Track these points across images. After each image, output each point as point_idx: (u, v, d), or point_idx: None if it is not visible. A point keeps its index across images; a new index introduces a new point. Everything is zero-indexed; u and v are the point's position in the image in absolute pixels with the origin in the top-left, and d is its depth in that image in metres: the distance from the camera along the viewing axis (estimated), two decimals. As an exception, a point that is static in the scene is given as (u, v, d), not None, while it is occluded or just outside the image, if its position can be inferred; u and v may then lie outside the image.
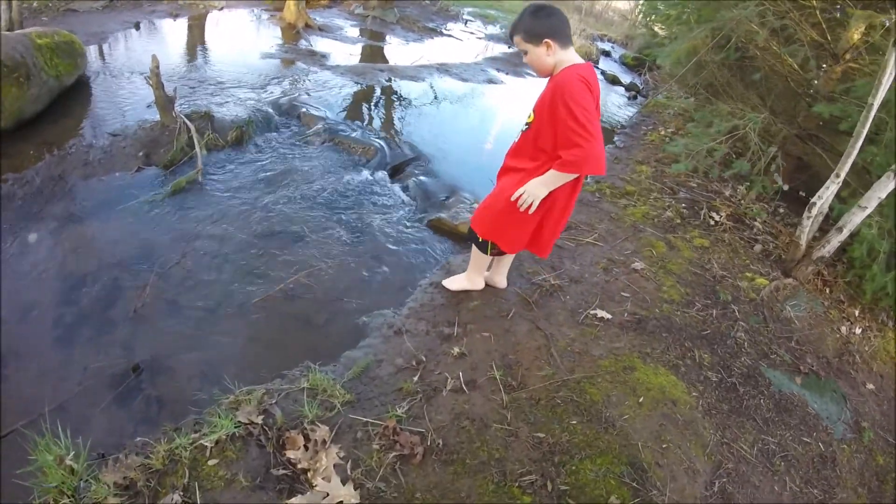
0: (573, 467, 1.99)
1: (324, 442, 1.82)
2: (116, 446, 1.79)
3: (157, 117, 3.91)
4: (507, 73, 7.73)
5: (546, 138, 2.18)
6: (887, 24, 3.69)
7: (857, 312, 3.53)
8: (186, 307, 2.58)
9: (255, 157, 3.99)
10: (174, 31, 6.42)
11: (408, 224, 3.58)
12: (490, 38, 10.21)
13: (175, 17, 6.86)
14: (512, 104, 6.77)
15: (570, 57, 2.15)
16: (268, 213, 3.34)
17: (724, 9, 4.24)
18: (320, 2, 9.14)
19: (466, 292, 2.89)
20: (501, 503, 1.81)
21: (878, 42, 3.82)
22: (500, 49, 9.35)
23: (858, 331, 3.40)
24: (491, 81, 7.18)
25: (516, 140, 2.35)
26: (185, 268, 2.81)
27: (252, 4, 8.34)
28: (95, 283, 2.64)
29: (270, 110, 4.57)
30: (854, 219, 3.24)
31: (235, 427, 1.80)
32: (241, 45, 6.34)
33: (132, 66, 4.89)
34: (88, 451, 1.66)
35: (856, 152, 3.13)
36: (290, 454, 1.76)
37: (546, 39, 2.09)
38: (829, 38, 4.03)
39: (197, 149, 3.71)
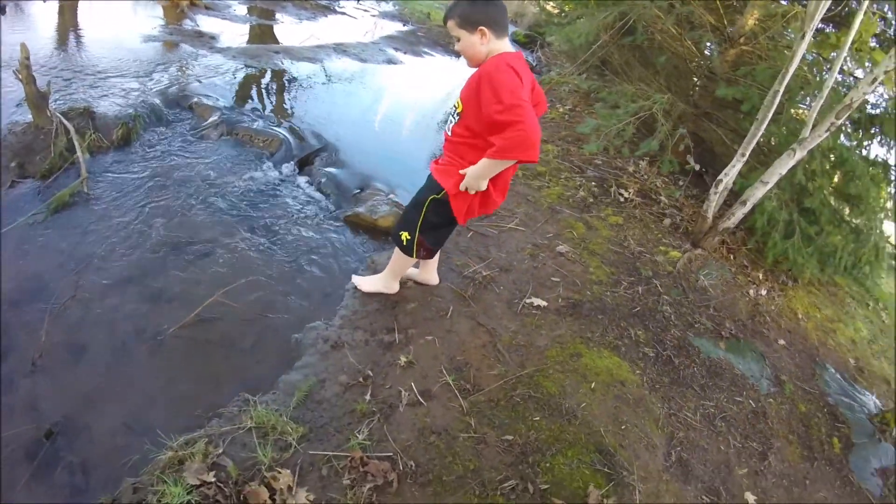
0: (547, 464, 2.07)
1: (290, 488, 1.72)
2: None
3: (30, 118, 3.40)
4: (405, 53, 7.69)
5: (478, 124, 2.15)
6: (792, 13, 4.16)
7: (760, 276, 4.00)
8: (92, 349, 2.29)
9: (147, 158, 3.59)
10: (44, 15, 5.60)
11: (324, 222, 3.44)
12: (385, 15, 10.12)
13: (45, -2, 6.01)
14: (414, 85, 6.79)
15: (502, 46, 2.14)
16: (168, 224, 3.04)
17: None
18: None
19: (399, 295, 2.84)
20: (489, 515, 1.82)
21: (777, 30, 4.30)
22: (396, 27, 9.33)
23: (764, 292, 3.84)
24: (390, 62, 7.11)
25: (451, 126, 2.31)
26: (82, 301, 2.47)
27: None
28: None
29: (159, 102, 4.13)
30: (757, 193, 3.66)
31: (188, 493, 1.63)
32: (120, 27, 5.69)
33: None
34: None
35: (760, 133, 3.53)
36: (257, 511, 1.63)
37: (481, 27, 2.06)
38: (725, 22, 4.46)
39: (79, 153, 3.28)
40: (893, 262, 4.22)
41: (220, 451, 1.85)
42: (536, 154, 2.01)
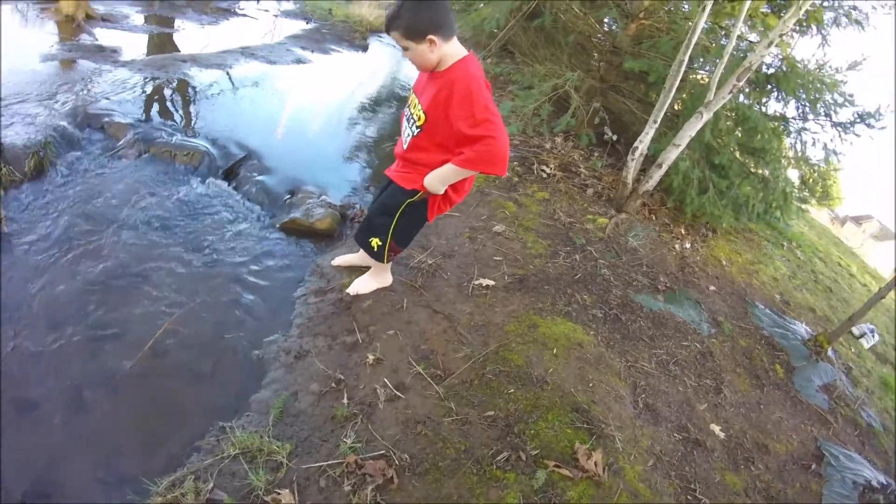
0: (532, 431, 2.17)
1: (293, 506, 1.69)
2: None
3: None
4: (312, 52, 7.59)
5: (445, 136, 2.17)
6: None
7: (682, 231, 4.34)
8: (45, 403, 2.11)
9: (64, 187, 3.30)
10: None
11: (261, 232, 3.36)
12: (286, 14, 9.93)
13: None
14: (325, 83, 6.74)
15: (454, 50, 2.11)
16: (98, 255, 2.85)
17: None
18: None
19: (353, 296, 2.84)
20: (491, 489, 1.89)
21: (677, 5, 4.64)
22: (299, 25, 9.19)
23: (688, 245, 4.17)
24: (299, 61, 6.99)
25: (409, 139, 2.31)
26: (23, 353, 2.26)
27: None
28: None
29: (68, 125, 3.80)
30: (670, 155, 3.97)
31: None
32: (15, 48, 5.16)
33: None
34: None
35: (669, 101, 3.81)
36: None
37: (430, 36, 2.01)
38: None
39: None
40: (802, 206, 4.72)
41: (211, 485, 1.80)
42: (505, 168, 2.07)
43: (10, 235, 2.90)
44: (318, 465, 1.91)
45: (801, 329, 3.76)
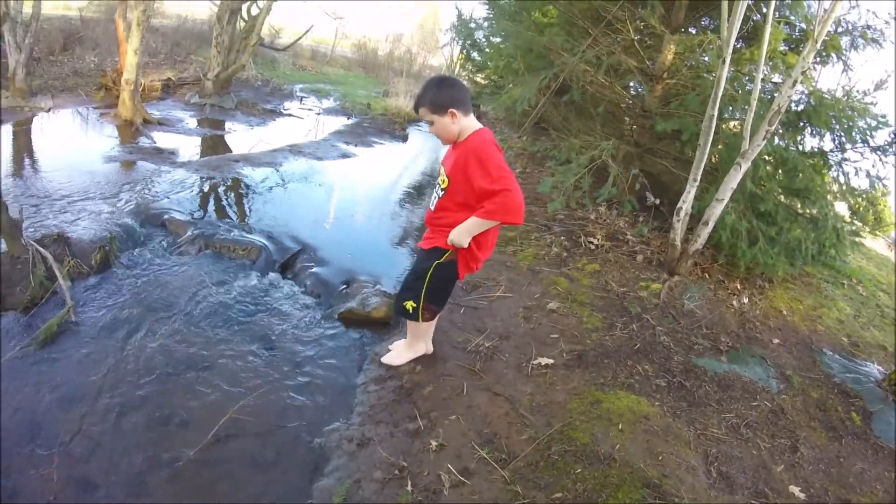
0: (602, 510, 2.14)
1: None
2: None
3: (3, 248, 3.40)
4: (356, 146, 8.11)
5: (465, 195, 2.47)
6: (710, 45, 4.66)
7: (738, 285, 4.27)
8: (108, 485, 2.21)
9: (128, 280, 3.61)
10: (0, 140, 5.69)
11: (319, 323, 3.52)
12: (328, 111, 10.68)
13: (-2, 123, 6.15)
14: (371, 175, 7.13)
15: (472, 123, 2.49)
16: (162, 345, 3.05)
17: (554, 56, 5.06)
18: (153, 94, 8.82)
19: (412, 382, 2.94)
20: (562, 571, 1.88)
21: (695, 58, 4.82)
22: (341, 121, 9.85)
23: (746, 300, 4.09)
24: (345, 156, 7.48)
25: (436, 201, 2.61)
26: (88, 436, 2.41)
27: (80, 102, 7.77)
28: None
29: (131, 222, 4.20)
30: (715, 211, 4.00)
31: None
32: (79, 149, 5.80)
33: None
34: None
35: (705, 157, 3.90)
36: None
37: (451, 109, 2.40)
38: (646, 62, 4.99)
39: (60, 281, 3.28)
40: (856, 238, 4.58)
41: None
42: (521, 217, 2.37)
43: (77, 324, 3.13)
44: (388, 556, 1.96)
45: (874, 370, 3.58)
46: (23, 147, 5.76)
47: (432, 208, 2.64)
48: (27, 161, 5.38)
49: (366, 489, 2.27)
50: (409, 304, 2.77)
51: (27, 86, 7.09)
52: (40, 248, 3.45)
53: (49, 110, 7.19)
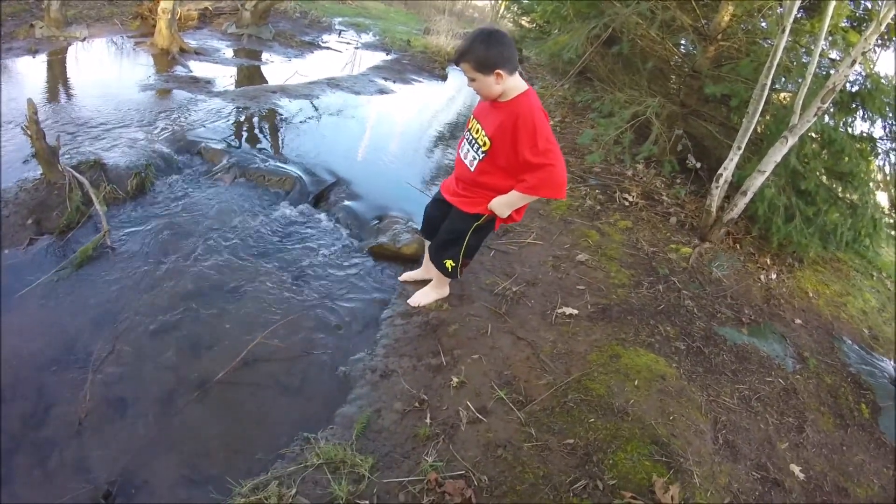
0: (610, 461, 2.25)
1: (374, 519, 1.84)
2: None
3: (40, 173, 3.44)
4: (395, 82, 7.99)
5: (508, 161, 2.41)
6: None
7: (768, 261, 4.23)
8: (139, 403, 2.33)
9: (164, 206, 3.68)
10: (36, 70, 5.72)
11: (349, 255, 3.58)
12: (367, 46, 10.45)
13: (34, 52, 6.11)
14: (408, 112, 7.06)
15: (518, 83, 2.34)
16: (195, 270, 3.13)
17: (606, 5, 4.85)
18: (189, 23, 8.70)
19: (438, 319, 3.02)
20: (568, 512, 2.00)
21: (753, 23, 4.59)
22: (380, 57, 9.66)
23: (774, 276, 4.07)
24: (382, 92, 7.38)
25: (476, 163, 2.52)
26: (121, 355, 2.52)
27: (116, 31, 7.72)
28: (17, 398, 2.25)
29: (167, 149, 4.23)
30: (755, 182, 3.91)
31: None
32: (115, 78, 5.80)
33: (-6, 116, 4.24)
34: None
35: (753, 126, 3.79)
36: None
37: (497, 69, 2.24)
38: (702, 22, 4.76)
39: (96, 206, 3.35)
40: (892, 232, 4.49)
41: (294, 491, 1.92)
42: (564, 193, 2.33)
43: (113, 248, 3.20)
44: (398, 480, 2.04)
45: (890, 367, 3.59)
46: (58, 76, 5.72)
47: (471, 169, 2.54)
48: (63, 90, 5.37)
49: (386, 418, 2.36)
50: (449, 263, 2.82)
51: (62, 16, 6.94)
52: (77, 174, 3.49)
53: (84, 39, 7.07)
